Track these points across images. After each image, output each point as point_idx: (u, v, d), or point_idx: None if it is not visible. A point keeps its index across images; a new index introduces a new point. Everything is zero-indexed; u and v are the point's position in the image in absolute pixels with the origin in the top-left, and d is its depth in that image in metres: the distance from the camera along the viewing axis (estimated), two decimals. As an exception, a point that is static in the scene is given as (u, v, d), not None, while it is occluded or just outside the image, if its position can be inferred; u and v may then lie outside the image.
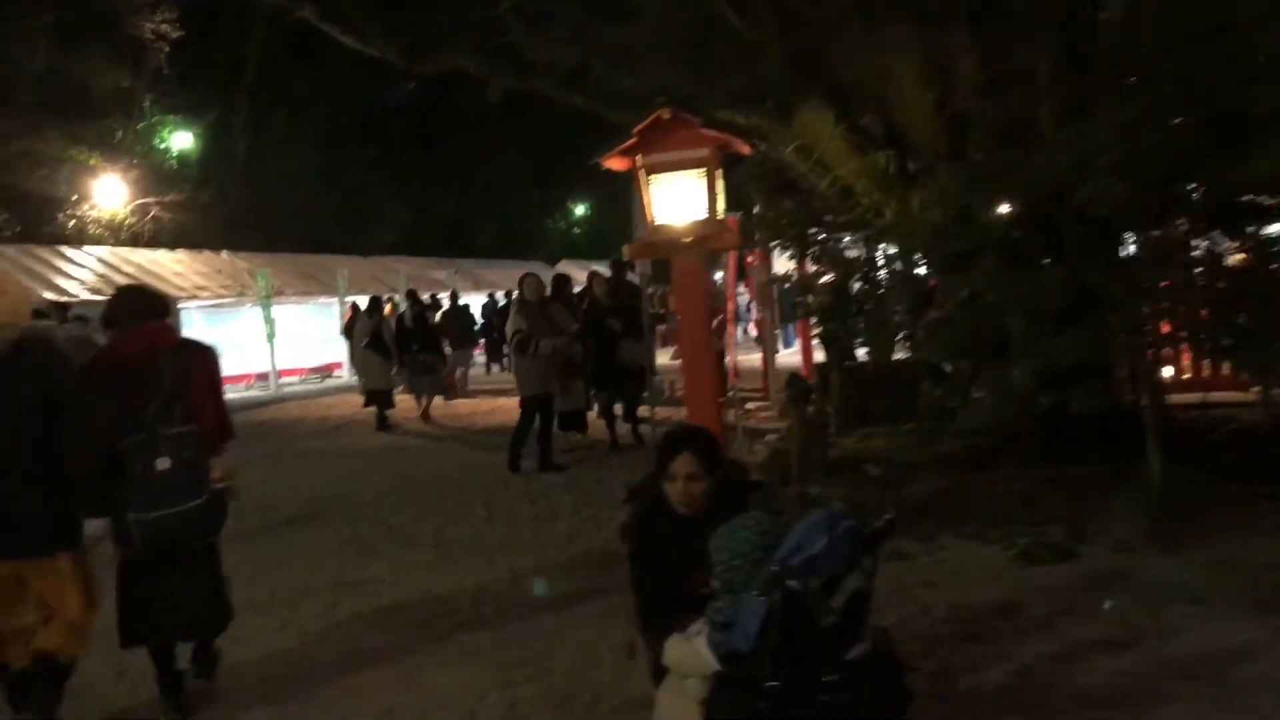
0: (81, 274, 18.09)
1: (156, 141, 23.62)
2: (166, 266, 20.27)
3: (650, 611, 3.12)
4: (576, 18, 8.22)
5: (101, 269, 18.68)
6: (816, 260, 8.76)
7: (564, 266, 39.38)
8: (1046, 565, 4.98)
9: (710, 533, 2.83)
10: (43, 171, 20.02)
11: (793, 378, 7.32)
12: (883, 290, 7.26)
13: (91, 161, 20.69)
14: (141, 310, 4.06)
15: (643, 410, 9.59)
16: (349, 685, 4.28)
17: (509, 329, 9.07)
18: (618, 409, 9.91)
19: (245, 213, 24.53)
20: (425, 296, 16.54)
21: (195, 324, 19.21)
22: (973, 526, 5.65)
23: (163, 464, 3.78)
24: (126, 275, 18.89)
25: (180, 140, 24.49)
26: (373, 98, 29.44)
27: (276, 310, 20.51)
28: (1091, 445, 6.20)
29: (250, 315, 22.33)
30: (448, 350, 14.95)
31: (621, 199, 44.69)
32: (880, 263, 7.45)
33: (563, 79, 8.69)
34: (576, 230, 47.47)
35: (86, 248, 19.40)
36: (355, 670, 4.44)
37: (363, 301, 14.10)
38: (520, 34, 8.48)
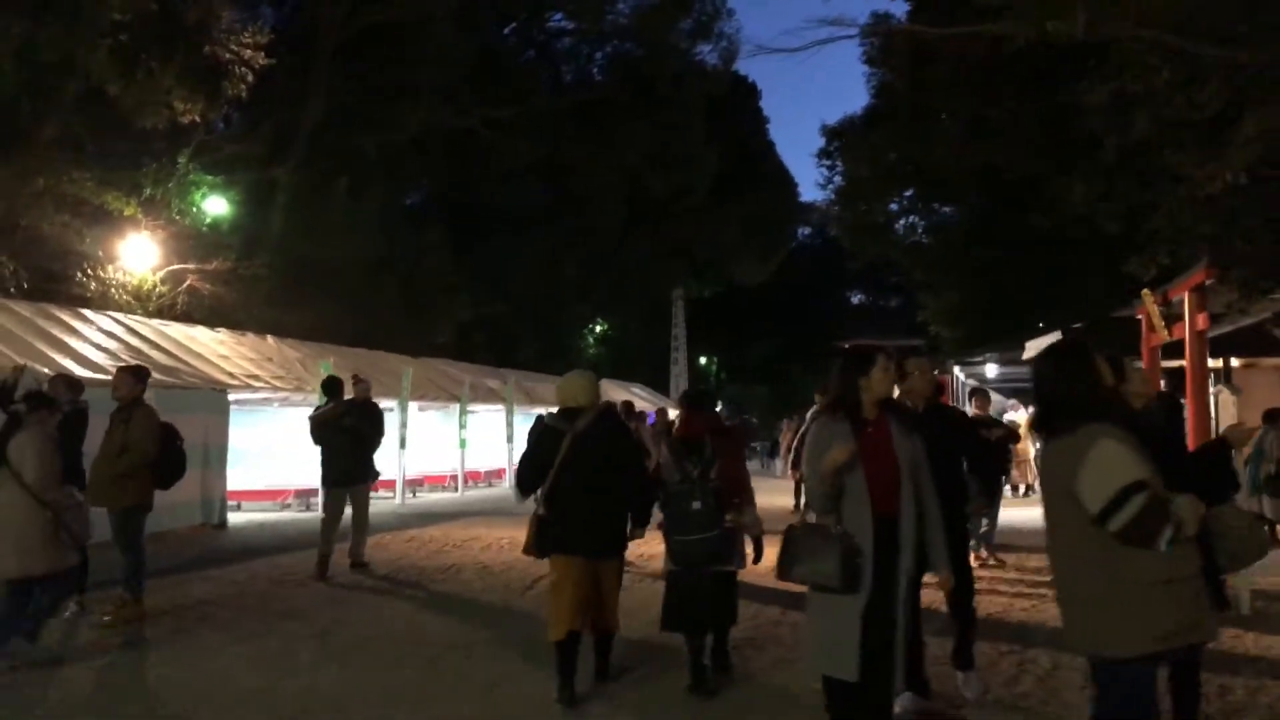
0: (112, 345, 13.76)
1: (189, 203, 19.55)
2: (209, 347, 15.97)
3: None
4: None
5: (135, 341, 14.36)
6: None
7: (605, 386, 35.70)
8: None
9: None
10: (64, 218, 15.83)
11: None
12: None
13: (128, 212, 16.56)
14: (701, 404, 6.22)
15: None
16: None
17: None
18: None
19: (290, 293, 20.38)
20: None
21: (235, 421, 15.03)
22: None
23: (695, 505, 5.39)
24: (164, 352, 14.62)
25: (214, 205, 20.42)
26: (436, 177, 25.96)
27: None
28: None
29: (293, 416, 18.11)
30: None
31: (656, 317, 41.66)
32: None
33: None
34: (593, 349, 43.65)
35: (114, 314, 15.11)
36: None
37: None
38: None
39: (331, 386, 10.00)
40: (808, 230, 65.85)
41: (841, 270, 74.09)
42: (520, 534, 12.82)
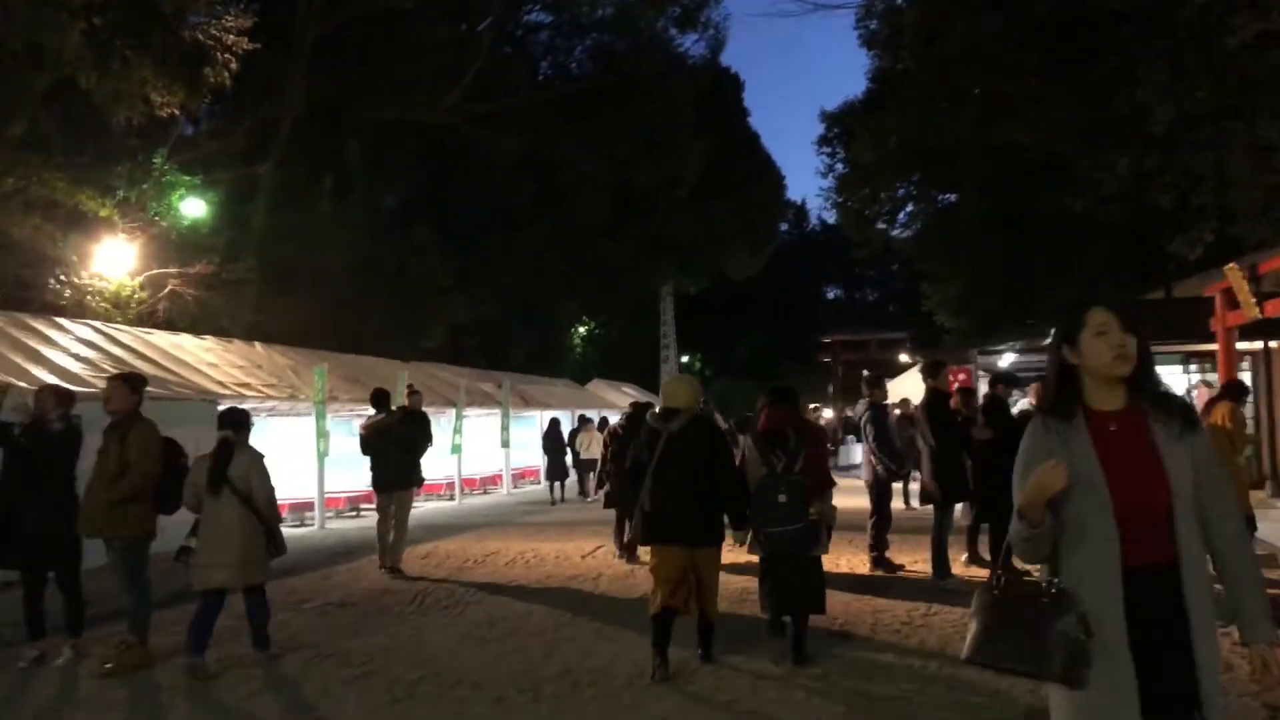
0: (92, 355, 12.76)
1: (166, 204, 18.47)
2: (196, 355, 15.00)
3: None
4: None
5: (117, 351, 13.36)
6: None
7: (596, 387, 34.71)
8: None
9: None
10: (35, 221, 14.76)
11: None
12: None
13: (104, 213, 15.54)
14: (784, 400, 6.42)
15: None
16: None
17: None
18: None
19: (276, 298, 19.38)
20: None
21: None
22: None
23: (781, 498, 5.82)
24: (149, 361, 13.63)
25: (193, 207, 19.32)
26: (421, 176, 24.96)
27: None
28: None
29: (287, 426, 17.17)
30: None
31: (644, 314, 40.62)
32: None
33: None
34: (579, 349, 42.58)
35: (91, 322, 14.09)
36: None
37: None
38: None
39: (380, 399, 10.57)
40: (785, 226, 65.37)
41: (819, 266, 73.92)
42: (541, 546, 12.04)
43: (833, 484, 6.48)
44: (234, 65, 14.44)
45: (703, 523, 5.70)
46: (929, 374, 8.62)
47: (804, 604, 6.02)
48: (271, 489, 6.40)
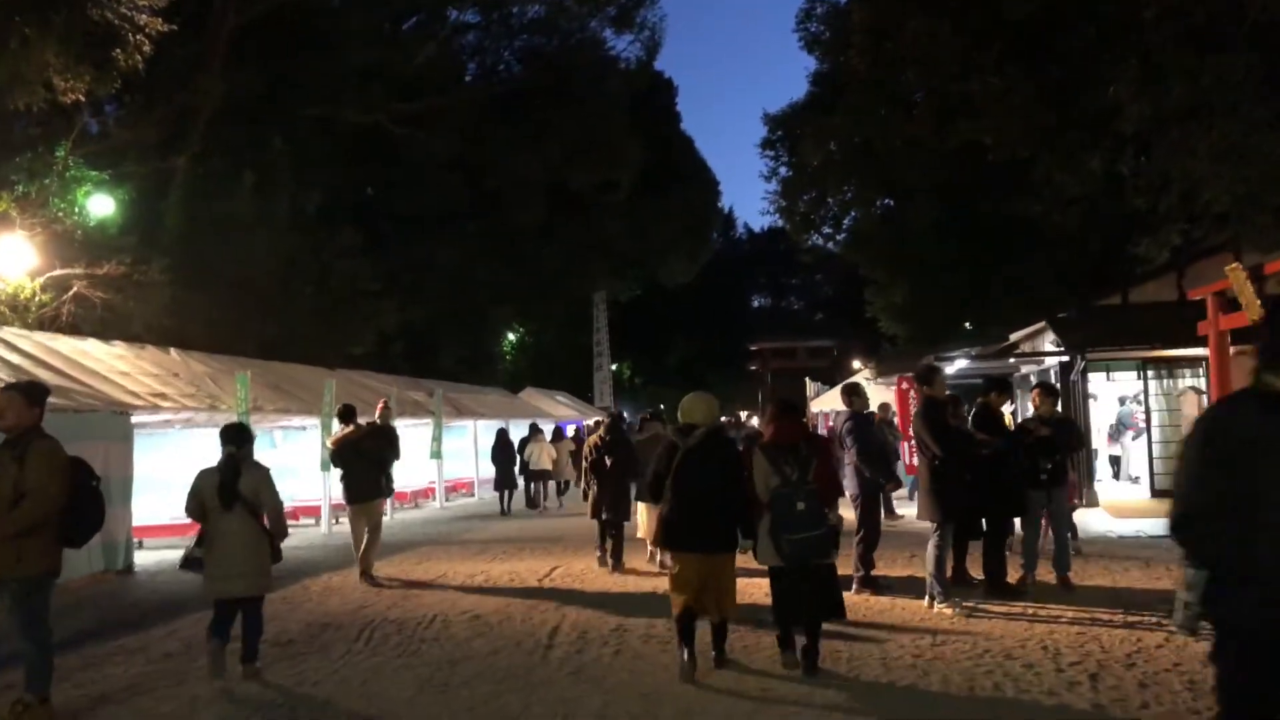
0: (-14, 363, 11.50)
1: (70, 201, 17.09)
2: (105, 362, 13.73)
3: None
4: None
5: (15, 358, 12.09)
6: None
7: (529, 395, 33.76)
8: None
9: None
10: (-78, 217, 13.39)
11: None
12: None
13: (1, 208, 14.20)
14: (792, 412, 6.40)
15: None
16: None
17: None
18: None
19: (192, 301, 18.11)
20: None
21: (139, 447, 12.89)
22: None
23: (800, 506, 5.92)
24: (52, 370, 12.36)
25: (100, 205, 17.93)
26: (348, 176, 23.82)
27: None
28: None
29: (206, 438, 15.90)
30: None
31: (576, 322, 39.81)
32: None
33: None
34: (510, 357, 41.55)
35: (-11, 327, 12.79)
36: None
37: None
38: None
39: (347, 413, 11.17)
40: (714, 234, 65.30)
41: (745, 274, 74.03)
42: (491, 567, 11.20)
43: (842, 492, 6.69)
44: (146, 48, 13.24)
45: (719, 532, 6.04)
46: (924, 380, 8.00)
47: (823, 613, 6.14)
48: (280, 502, 6.56)
